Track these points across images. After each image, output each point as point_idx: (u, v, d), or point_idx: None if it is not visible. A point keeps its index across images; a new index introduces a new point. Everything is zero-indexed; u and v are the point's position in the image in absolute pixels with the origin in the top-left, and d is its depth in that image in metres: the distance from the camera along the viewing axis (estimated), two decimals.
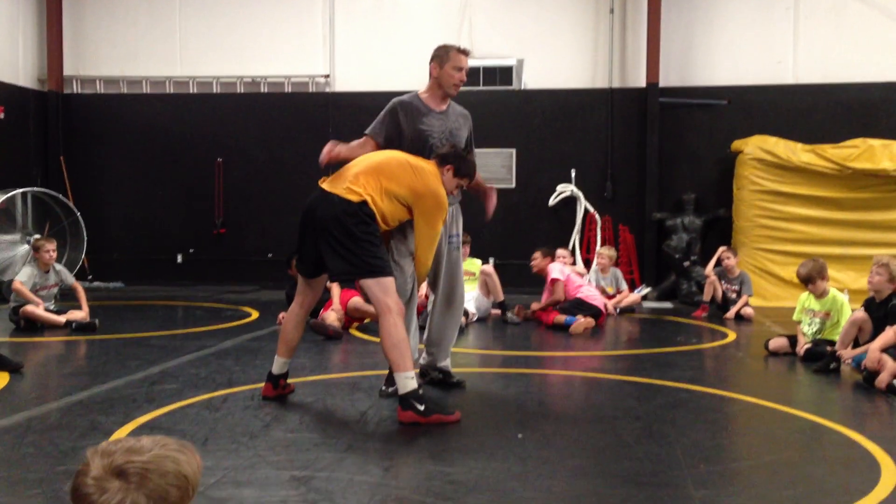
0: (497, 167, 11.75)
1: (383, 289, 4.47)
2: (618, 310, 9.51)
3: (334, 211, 4.47)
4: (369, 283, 4.50)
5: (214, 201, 12.54)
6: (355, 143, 5.01)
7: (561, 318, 8.23)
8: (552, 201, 11.85)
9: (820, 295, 6.65)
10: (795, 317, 6.85)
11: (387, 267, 4.55)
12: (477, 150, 5.41)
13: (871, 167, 10.44)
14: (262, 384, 4.98)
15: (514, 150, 11.91)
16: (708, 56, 11.74)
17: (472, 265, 9.09)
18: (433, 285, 5.24)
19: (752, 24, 11.64)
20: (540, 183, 11.90)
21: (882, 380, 5.26)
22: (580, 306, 8.40)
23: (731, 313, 9.18)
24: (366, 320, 8.14)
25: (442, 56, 5.08)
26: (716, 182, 11.60)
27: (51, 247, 8.17)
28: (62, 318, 7.83)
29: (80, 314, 7.95)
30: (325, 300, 7.86)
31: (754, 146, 10.88)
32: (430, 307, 5.38)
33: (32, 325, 7.77)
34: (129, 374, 5.63)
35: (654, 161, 11.60)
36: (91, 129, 12.73)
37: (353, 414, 4.62)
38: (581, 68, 11.99)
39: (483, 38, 11.89)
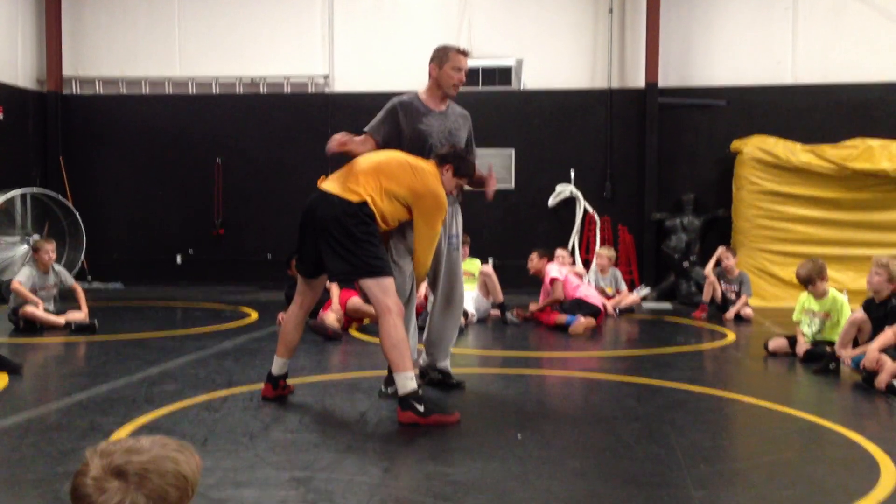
0: (496, 167, 11.68)
1: (383, 289, 4.47)
2: (617, 310, 9.51)
3: (334, 211, 4.47)
4: (369, 284, 4.50)
5: (214, 202, 12.54)
6: (357, 139, 5.00)
7: (563, 318, 8.23)
8: (551, 201, 11.85)
9: (820, 295, 6.65)
10: (795, 317, 6.85)
11: (386, 267, 4.55)
12: (476, 151, 5.41)
13: (870, 167, 10.45)
14: (262, 385, 4.98)
15: (513, 151, 11.92)
16: (707, 56, 11.75)
17: (472, 266, 9.08)
18: (433, 286, 5.24)
19: (752, 24, 11.65)
20: (539, 183, 11.90)
21: (881, 380, 5.26)
22: (580, 306, 8.40)
23: (730, 314, 9.18)
24: (365, 321, 8.14)
25: (441, 57, 5.08)
26: (715, 182, 11.61)
27: (50, 247, 8.17)
28: (61, 319, 7.82)
29: (80, 315, 7.95)
30: (324, 301, 7.86)
31: (753, 146, 10.88)
32: (429, 308, 5.38)
33: (32, 326, 7.76)
34: (129, 375, 5.63)
35: (654, 161, 11.61)
36: (90, 129, 12.73)
37: (352, 414, 4.62)
38: (580, 69, 12.00)
39: (482, 39, 11.89)
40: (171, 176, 12.63)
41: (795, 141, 10.88)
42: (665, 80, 11.63)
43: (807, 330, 6.69)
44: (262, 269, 12.28)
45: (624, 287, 9.92)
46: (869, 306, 6.03)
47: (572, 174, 11.86)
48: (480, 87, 11.54)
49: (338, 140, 4.80)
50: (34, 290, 7.97)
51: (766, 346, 6.87)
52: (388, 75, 11.82)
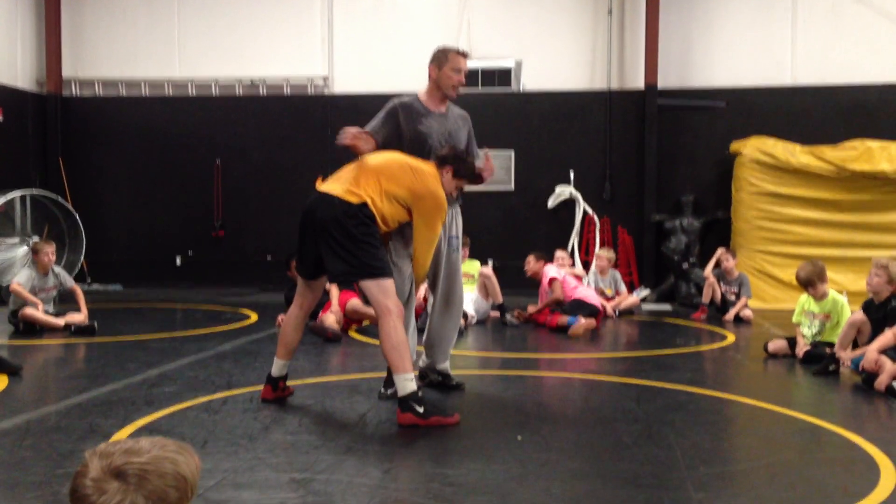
0: (496, 169, 11.71)
1: (383, 290, 4.47)
2: (617, 312, 9.51)
3: (334, 212, 4.47)
4: (369, 285, 4.49)
5: (213, 203, 12.54)
6: (365, 136, 4.98)
7: (564, 319, 8.23)
8: (551, 203, 11.85)
9: (819, 298, 6.65)
10: (795, 319, 6.85)
11: (386, 269, 4.55)
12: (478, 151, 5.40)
13: (870, 169, 10.45)
14: (262, 386, 4.98)
15: (512, 152, 11.92)
16: (706, 58, 11.76)
17: (471, 267, 9.08)
18: (433, 287, 5.24)
19: (751, 25, 11.65)
20: (539, 185, 11.91)
21: (881, 381, 5.26)
22: (581, 307, 8.41)
23: (730, 315, 9.18)
24: (364, 322, 8.13)
25: (440, 58, 5.09)
26: (714, 184, 11.61)
27: (50, 249, 8.17)
28: (61, 321, 7.82)
29: (79, 317, 7.95)
30: (323, 302, 7.86)
31: (753, 148, 10.88)
32: (429, 309, 5.38)
33: (31, 328, 7.76)
34: (128, 377, 5.63)
35: (653, 163, 11.61)
36: (90, 131, 12.73)
37: (352, 416, 4.62)
38: (580, 70, 12.00)
39: (482, 40, 11.89)
40: (171, 177, 12.63)
41: (795, 142, 10.88)
42: (664, 81, 11.63)
43: (807, 331, 6.69)
44: (261, 270, 12.28)
45: (623, 289, 9.92)
46: (868, 308, 6.03)
47: (572, 175, 11.87)
48: (480, 89, 11.55)
49: (353, 133, 4.78)
50: (34, 292, 7.97)
51: (765, 348, 6.87)
52: (388, 77, 11.83)
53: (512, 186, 11.93)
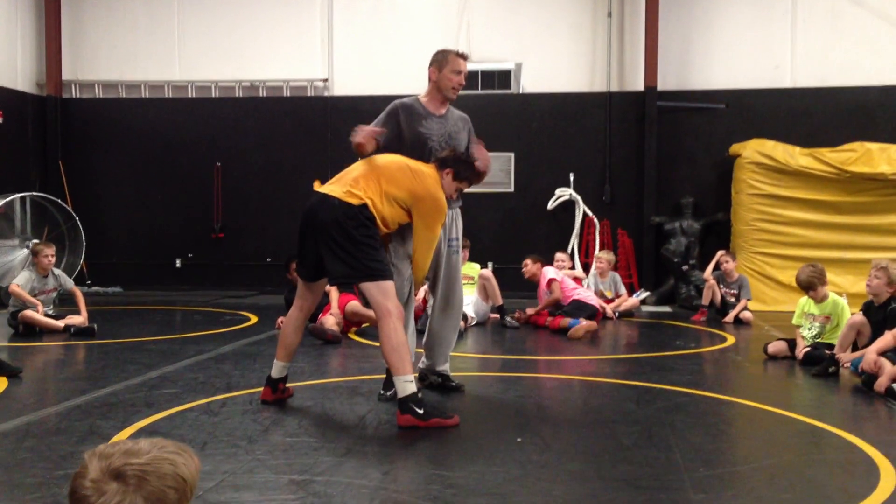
0: (495, 171, 11.72)
1: (383, 292, 4.47)
2: (617, 314, 9.51)
3: (335, 214, 4.47)
4: (369, 287, 4.49)
5: (213, 205, 12.55)
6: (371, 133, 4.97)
7: (566, 321, 8.23)
8: (551, 205, 11.86)
9: (820, 300, 6.65)
10: (795, 321, 6.85)
11: (387, 270, 4.55)
12: None
13: (869, 171, 10.45)
14: (261, 388, 4.98)
15: (512, 154, 11.92)
16: (706, 60, 11.76)
17: (471, 269, 9.09)
18: (432, 289, 5.24)
19: (750, 27, 11.66)
20: (538, 187, 11.91)
21: (881, 383, 5.26)
22: (581, 308, 8.41)
23: (729, 317, 9.19)
24: (364, 324, 8.13)
25: (440, 60, 5.10)
26: (714, 186, 11.62)
27: (49, 252, 8.17)
28: (61, 323, 7.82)
29: (79, 319, 7.95)
30: (323, 304, 7.86)
31: (752, 150, 10.89)
32: (429, 311, 5.38)
33: (31, 330, 7.76)
34: (128, 379, 5.63)
35: (653, 165, 11.62)
36: (89, 133, 12.74)
37: (351, 418, 4.62)
38: (579, 72, 12.01)
39: (481, 42, 11.90)
40: (171, 179, 12.63)
41: (794, 144, 10.89)
42: (664, 83, 11.64)
43: (806, 333, 6.69)
44: (261, 272, 12.29)
45: (623, 291, 9.92)
46: (868, 309, 6.03)
47: (571, 178, 11.87)
48: (479, 91, 11.56)
49: (368, 131, 4.79)
50: (33, 294, 7.98)
51: (765, 350, 6.87)
52: (388, 78, 11.84)
53: (512, 188, 11.94)
